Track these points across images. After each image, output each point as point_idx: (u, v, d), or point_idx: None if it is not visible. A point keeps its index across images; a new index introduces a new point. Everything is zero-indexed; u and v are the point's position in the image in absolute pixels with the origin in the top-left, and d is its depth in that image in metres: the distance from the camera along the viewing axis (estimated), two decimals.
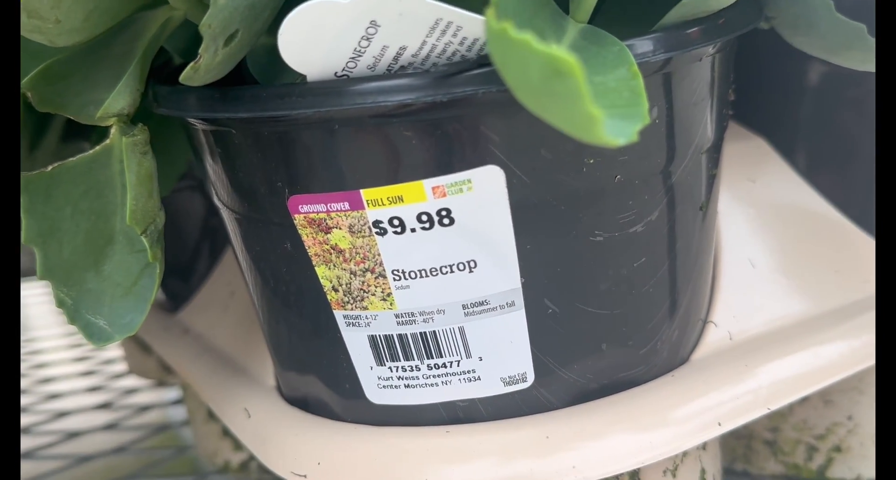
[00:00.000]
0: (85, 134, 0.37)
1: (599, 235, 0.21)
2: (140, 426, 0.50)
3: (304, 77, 0.19)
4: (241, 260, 0.25)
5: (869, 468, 0.33)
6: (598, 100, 0.13)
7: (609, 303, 0.22)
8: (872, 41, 0.22)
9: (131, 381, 0.57)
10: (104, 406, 0.54)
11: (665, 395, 0.23)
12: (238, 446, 0.41)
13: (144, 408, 0.53)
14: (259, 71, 0.21)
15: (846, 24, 0.22)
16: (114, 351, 0.64)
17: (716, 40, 0.21)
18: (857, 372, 0.26)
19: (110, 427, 0.50)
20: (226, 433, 0.41)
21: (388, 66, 0.19)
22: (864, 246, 0.30)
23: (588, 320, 0.22)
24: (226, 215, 0.24)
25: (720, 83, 0.23)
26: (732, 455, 0.34)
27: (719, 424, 0.23)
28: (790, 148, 0.32)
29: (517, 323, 0.21)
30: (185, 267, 0.40)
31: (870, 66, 0.23)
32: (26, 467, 0.46)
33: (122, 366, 0.60)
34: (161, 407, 0.53)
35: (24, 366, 0.64)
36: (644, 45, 0.19)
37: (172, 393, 0.55)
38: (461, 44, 0.18)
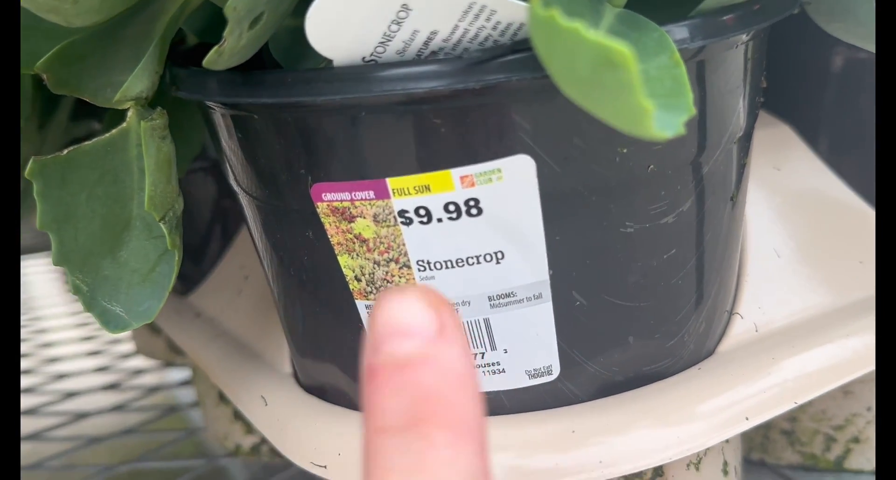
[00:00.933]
0: (96, 113, 0.36)
1: (630, 226, 0.21)
2: (148, 407, 0.50)
3: (329, 60, 0.19)
4: (260, 246, 0.25)
5: None
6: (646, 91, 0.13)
7: (637, 296, 0.22)
8: None
9: (139, 361, 0.57)
10: (111, 386, 0.53)
11: (692, 389, 0.23)
12: (249, 429, 0.41)
13: (153, 389, 0.53)
14: (282, 54, 0.21)
15: None
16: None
17: (752, 27, 0.20)
18: None
19: (118, 408, 0.50)
20: (237, 416, 0.41)
21: (419, 51, 0.18)
22: None
23: (616, 312, 0.22)
24: (244, 200, 0.24)
25: (753, 70, 0.22)
26: (750, 444, 0.34)
27: (746, 419, 0.23)
28: (815, 134, 0.32)
29: (544, 315, 0.21)
30: (196, 249, 0.40)
31: None
32: (34, 447, 0.46)
33: (129, 346, 0.60)
34: (169, 389, 0.53)
35: (29, 345, 0.64)
36: (681, 31, 0.19)
37: (181, 374, 0.55)
38: (494, 28, 0.18)
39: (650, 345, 0.23)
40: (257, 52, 0.21)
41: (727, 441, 0.26)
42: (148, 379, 0.55)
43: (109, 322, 0.23)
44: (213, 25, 0.24)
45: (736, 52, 0.21)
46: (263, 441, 0.41)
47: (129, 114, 0.22)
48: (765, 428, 0.34)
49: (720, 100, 0.21)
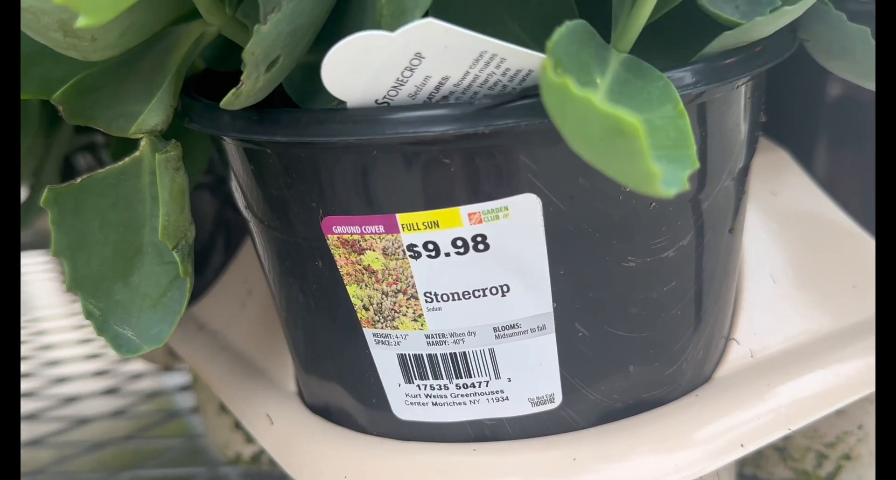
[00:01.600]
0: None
1: (632, 261, 0.21)
2: (147, 413, 0.50)
3: (338, 104, 0.19)
4: (268, 270, 0.25)
5: None
6: (652, 147, 0.13)
7: (638, 326, 0.22)
8: None
9: (138, 365, 0.57)
10: (111, 391, 0.54)
11: (689, 416, 0.23)
12: (250, 439, 0.41)
13: (152, 394, 0.53)
14: (295, 90, 0.21)
15: None
16: None
17: (753, 70, 0.21)
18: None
19: (118, 413, 0.50)
20: (238, 426, 0.41)
21: (430, 94, 0.18)
22: None
23: (617, 343, 0.22)
24: (254, 226, 0.24)
25: (753, 107, 0.23)
26: (742, 459, 0.35)
27: (742, 445, 0.23)
28: (810, 159, 0.32)
29: (547, 345, 0.22)
30: (199, 260, 0.40)
31: None
32: (33, 453, 0.46)
33: None
34: (169, 394, 0.54)
35: (28, 348, 0.64)
36: (685, 76, 0.19)
37: (180, 379, 0.55)
38: (503, 74, 0.18)
39: (649, 373, 0.23)
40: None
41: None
42: (147, 384, 0.55)
43: (121, 346, 0.24)
44: (224, 55, 0.24)
45: (736, 93, 0.22)
46: (264, 450, 0.41)
47: (143, 143, 0.22)
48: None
49: (720, 138, 0.22)
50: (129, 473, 0.43)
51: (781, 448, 0.34)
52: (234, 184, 0.24)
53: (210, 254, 0.41)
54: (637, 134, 0.12)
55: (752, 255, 0.28)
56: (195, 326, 0.38)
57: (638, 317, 0.22)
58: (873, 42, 0.22)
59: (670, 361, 0.23)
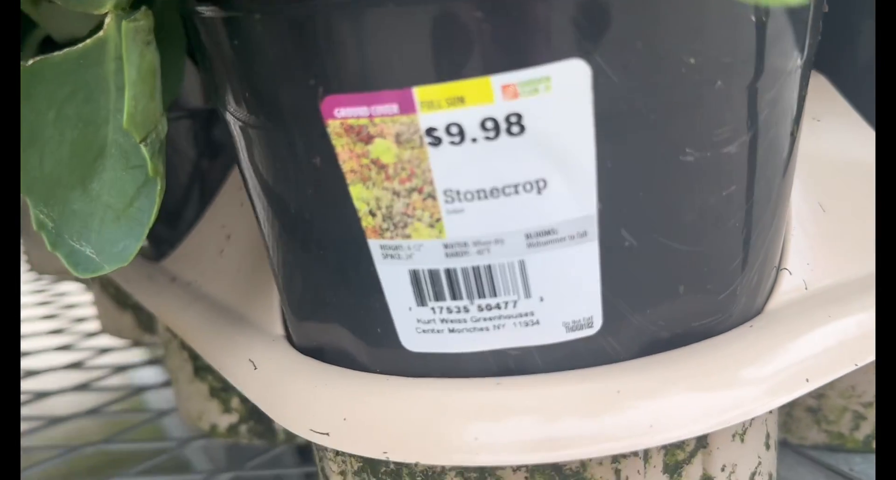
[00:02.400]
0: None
1: (690, 154, 0.18)
2: (113, 387, 0.46)
3: None
4: (251, 183, 0.22)
5: None
6: None
7: (692, 238, 0.19)
8: None
9: (105, 340, 0.53)
10: (76, 365, 0.50)
11: (746, 347, 0.20)
12: (227, 408, 0.37)
13: (119, 369, 0.49)
14: None
15: None
16: (86, 308, 0.60)
17: None
18: None
19: (81, 387, 0.46)
20: (213, 393, 0.38)
21: None
22: None
23: (668, 257, 0.19)
24: (235, 127, 0.21)
25: None
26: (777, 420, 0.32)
27: (807, 380, 0.20)
28: (849, 87, 0.29)
29: (588, 257, 0.18)
30: (171, 210, 0.37)
31: None
32: None
33: (94, 325, 0.56)
34: (136, 368, 0.50)
35: None
36: None
37: (148, 354, 0.51)
38: None
39: (701, 298, 0.20)
40: None
41: (770, 411, 0.23)
42: (114, 358, 0.51)
43: (78, 263, 0.20)
44: None
45: None
46: (241, 420, 0.38)
47: (108, 20, 0.19)
48: (788, 405, 0.32)
49: (788, 16, 0.18)
50: (91, 448, 0.39)
51: (815, 410, 0.31)
52: (211, 78, 0.20)
53: (185, 206, 0.37)
54: None
55: (798, 180, 0.25)
56: (166, 279, 0.34)
57: (693, 226, 0.19)
58: None
59: (724, 284, 0.20)
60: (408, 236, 0.18)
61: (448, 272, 0.19)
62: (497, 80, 0.16)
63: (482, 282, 0.19)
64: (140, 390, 0.46)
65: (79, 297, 0.63)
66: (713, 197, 0.19)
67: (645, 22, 0.16)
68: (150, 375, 0.49)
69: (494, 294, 0.19)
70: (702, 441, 0.21)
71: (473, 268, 0.18)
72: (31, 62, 0.19)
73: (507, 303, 0.19)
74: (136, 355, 0.52)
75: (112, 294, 0.52)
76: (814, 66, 0.29)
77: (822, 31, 0.29)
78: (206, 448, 0.41)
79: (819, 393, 0.31)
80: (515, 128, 0.17)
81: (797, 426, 0.32)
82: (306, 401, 0.21)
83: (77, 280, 0.59)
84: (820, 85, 0.29)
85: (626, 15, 0.16)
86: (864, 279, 0.24)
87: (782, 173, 0.21)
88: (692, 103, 0.17)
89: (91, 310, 0.58)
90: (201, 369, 0.37)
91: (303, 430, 0.21)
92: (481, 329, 0.19)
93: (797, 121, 0.21)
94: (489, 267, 0.18)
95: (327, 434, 0.20)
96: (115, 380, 0.48)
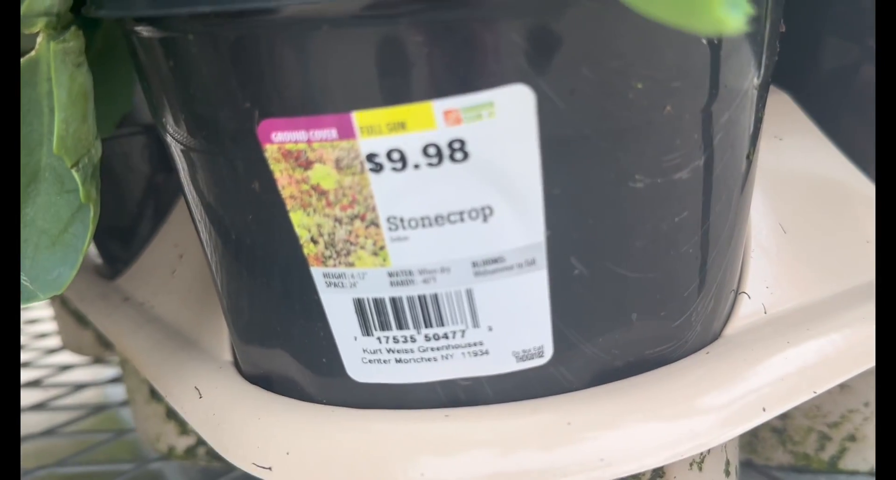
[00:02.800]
0: None
1: (640, 180, 0.17)
2: (75, 406, 0.45)
3: None
4: (194, 207, 0.21)
5: None
6: None
7: (644, 265, 0.18)
8: None
9: (65, 357, 0.52)
10: (34, 383, 0.48)
11: (702, 376, 0.20)
12: (184, 429, 0.37)
13: (80, 387, 0.48)
14: None
15: None
16: (47, 324, 0.59)
17: None
18: None
19: (41, 406, 0.45)
20: (171, 415, 0.37)
21: None
22: None
23: (619, 284, 0.18)
24: (175, 150, 0.20)
25: (774, 9, 0.19)
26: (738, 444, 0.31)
27: (763, 409, 0.20)
28: (812, 104, 0.29)
29: (537, 285, 0.18)
30: (125, 228, 0.36)
31: None
32: None
33: (55, 341, 0.55)
34: (98, 386, 0.49)
35: None
36: None
37: (110, 371, 0.50)
38: None
39: (655, 325, 0.19)
40: None
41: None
42: (75, 376, 0.50)
43: None
44: None
45: None
46: (200, 442, 0.37)
47: (39, 39, 0.18)
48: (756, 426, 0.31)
49: (741, 38, 0.18)
50: (46, 470, 0.38)
51: (780, 430, 0.31)
52: (151, 99, 0.20)
53: (138, 223, 0.36)
54: None
55: (758, 201, 0.24)
56: (119, 298, 0.33)
57: (645, 253, 0.18)
58: None
59: (679, 311, 0.20)
60: (351, 264, 0.18)
61: (393, 300, 0.18)
62: (439, 106, 0.16)
63: (429, 311, 0.18)
64: (100, 409, 0.45)
65: (40, 312, 0.62)
66: (665, 223, 0.18)
67: (590, 46, 0.15)
68: (108, 393, 0.48)
69: (441, 323, 0.18)
70: (658, 472, 0.21)
71: (419, 297, 0.18)
72: None
73: (454, 333, 0.18)
74: (100, 372, 0.51)
75: (73, 310, 0.51)
76: (776, 82, 0.29)
77: (785, 49, 0.29)
78: (181, 465, 0.40)
79: (784, 414, 0.30)
80: (459, 155, 0.16)
81: (762, 446, 0.32)
82: (249, 433, 0.20)
83: None
84: (782, 102, 0.28)
85: (571, 39, 0.15)
86: (826, 302, 0.23)
87: (739, 196, 0.21)
88: (641, 129, 0.17)
89: (52, 327, 0.57)
90: (157, 391, 0.36)
91: (245, 464, 0.20)
92: (429, 359, 0.18)
93: (754, 142, 0.20)
94: (435, 295, 0.18)
95: (270, 468, 0.19)
96: (78, 398, 0.47)
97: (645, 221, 0.18)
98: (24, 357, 0.53)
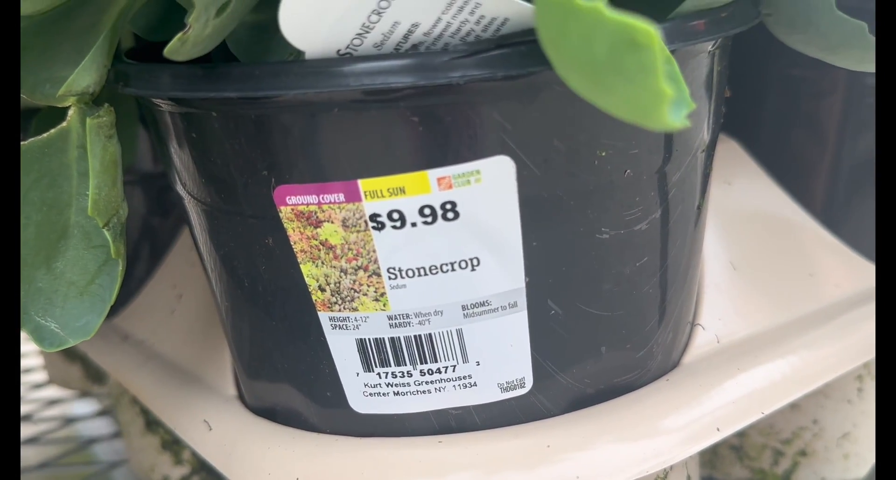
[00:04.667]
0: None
1: (606, 232, 0.20)
2: (63, 439, 0.46)
3: (295, 57, 0.18)
4: (207, 256, 0.23)
5: (833, 471, 0.33)
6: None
7: (611, 304, 0.21)
8: (873, 40, 0.22)
9: (52, 392, 0.53)
10: (24, 418, 0.50)
11: (663, 401, 0.22)
12: (178, 460, 0.38)
13: (68, 421, 0.49)
14: (242, 51, 0.19)
15: (846, 23, 0.22)
16: (33, 359, 0.60)
17: (720, 34, 0.20)
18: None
19: (31, 441, 0.46)
20: (165, 446, 0.38)
21: (397, 44, 0.17)
22: (833, 251, 0.30)
23: (589, 322, 0.21)
24: (191, 206, 0.22)
25: (719, 79, 0.22)
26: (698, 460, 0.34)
27: (718, 429, 0.22)
28: (758, 149, 0.32)
29: (519, 324, 0.20)
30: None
31: (869, 66, 0.22)
32: None
33: (41, 376, 0.56)
34: (84, 420, 0.50)
35: None
36: (659, 33, 0.18)
37: (97, 405, 0.52)
38: (477, 23, 0.17)
39: (621, 356, 0.22)
40: (206, 55, 0.19)
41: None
42: (62, 410, 0.51)
43: (44, 339, 0.21)
44: (160, 22, 0.22)
45: (705, 59, 0.21)
46: (193, 472, 0.38)
47: (70, 112, 0.20)
48: (713, 444, 0.34)
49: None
50: None
51: (738, 447, 0.34)
52: (170, 164, 0.22)
53: (135, 264, 0.38)
54: (652, 43, 0.11)
55: (710, 242, 0.27)
56: (118, 337, 0.35)
57: (611, 294, 0.21)
58: (839, 13, 0.22)
59: (641, 343, 0.22)
60: (355, 309, 0.20)
61: (392, 340, 0.20)
62: (433, 174, 0.18)
63: (424, 349, 0.20)
64: (90, 442, 0.46)
65: (24, 347, 0.63)
66: (628, 268, 0.21)
67: (560, 123, 0.18)
68: (99, 426, 0.50)
69: (435, 359, 0.20)
70: None
71: (416, 337, 0.20)
72: None
73: (446, 368, 0.21)
74: (84, 406, 0.52)
75: None
76: (726, 131, 0.32)
77: (733, 101, 0.32)
78: None
79: (741, 432, 0.33)
80: (450, 214, 0.19)
81: (721, 463, 0.34)
82: (261, 462, 0.22)
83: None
84: (730, 149, 0.31)
85: (544, 117, 0.18)
86: (774, 331, 0.26)
87: (692, 240, 0.23)
88: (605, 189, 0.20)
89: (38, 362, 0.58)
90: (153, 422, 0.38)
91: None
92: (424, 391, 0.21)
93: (703, 193, 0.23)
94: (430, 335, 0.20)
95: None
96: (64, 432, 0.48)
97: (611, 267, 0.21)
98: None
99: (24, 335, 0.56)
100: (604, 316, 0.21)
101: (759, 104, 0.33)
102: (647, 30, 0.11)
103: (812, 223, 0.31)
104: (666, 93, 0.12)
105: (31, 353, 0.61)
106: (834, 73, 0.31)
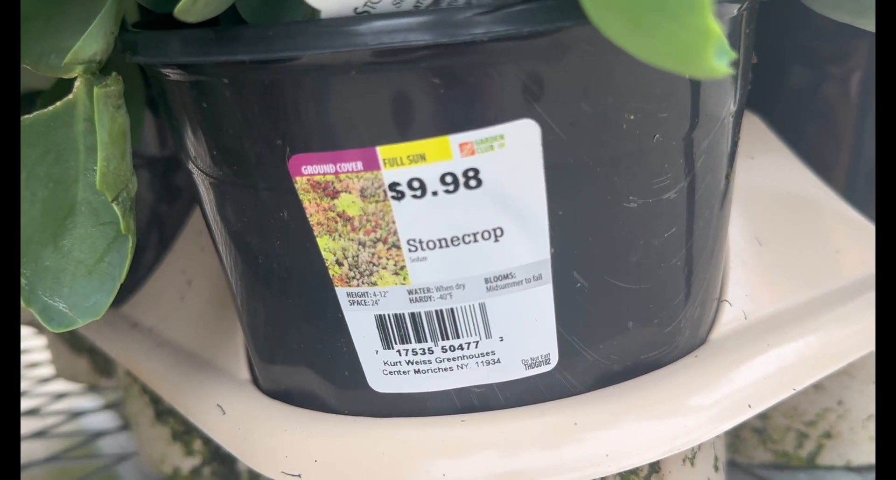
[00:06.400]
0: (22, 105, 0.33)
1: (634, 201, 0.19)
2: (71, 433, 0.46)
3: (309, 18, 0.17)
4: (219, 235, 0.22)
5: (858, 453, 0.32)
6: None
7: (638, 277, 0.20)
8: None
9: (60, 386, 0.53)
10: (32, 412, 0.49)
11: (692, 378, 0.21)
12: (189, 451, 0.38)
13: (76, 414, 0.49)
14: (252, 14, 0.19)
15: None
16: (39, 353, 0.59)
17: None
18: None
19: (38, 435, 0.46)
20: (175, 437, 0.38)
21: (417, 1, 0.16)
22: (857, 227, 0.30)
23: (616, 295, 0.20)
24: (201, 181, 0.21)
25: (746, 43, 0.22)
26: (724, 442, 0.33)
27: (749, 406, 0.21)
28: (780, 124, 0.31)
29: (543, 298, 0.19)
30: None
31: None
32: None
33: (48, 370, 0.55)
34: (92, 413, 0.49)
35: None
36: None
37: (104, 398, 0.51)
38: None
39: (649, 332, 0.21)
40: (215, 19, 0.19)
41: (717, 435, 0.25)
42: (69, 404, 0.51)
43: (52, 319, 0.20)
44: None
45: (733, 21, 0.20)
46: (204, 463, 0.38)
47: (77, 84, 0.20)
48: (735, 427, 0.33)
49: None
50: None
51: (761, 430, 0.33)
52: (179, 136, 0.21)
53: (143, 251, 0.37)
54: None
55: (735, 217, 0.26)
56: (127, 325, 0.34)
57: (639, 267, 0.20)
58: None
59: (669, 318, 0.22)
60: (374, 283, 0.19)
61: (413, 316, 0.20)
62: (455, 139, 0.17)
63: (445, 325, 0.20)
64: (97, 436, 0.46)
65: (30, 342, 0.62)
66: (656, 239, 0.20)
67: (588, 84, 0.17)
68: (106, 420, 0.49)
69: (457, 335, 0.20)
70: (654, 467, 0.22)
71: (437, 312, 0.19)
72: None
73: (469, 344, 0.20)
74: (91, 400, 0.52)
75: (67, 338, 0.51)
76: (748, 106, 0.32)
77: (755, 75, 0.31)
78: None
79: (763, 415, 0.32)
80: (473, 182, 0.18)
81: (744, 446, 0.34)
82: (277, 444, 0.22)
83: (30, 324, 0.58)
84: (754, 124, 0.31)
85: (571, 78, 0.17)
86: (801, 307, 0.26)
87: (719, 212, 0.23)
88: (633, 155, 0.19)
89: (45, 356, 0.57)
90: (163, 413, 0.37)
91: (275, 473, 0.21)
92: (445, 369, 0.20)
93: (731, 163, 0.23)
94: (451, 310, 0.19)
95: (299, 476, 0.21)
96: (71, 426, 0.48)
97: (638, 238, 0.20)
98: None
99: (31, 330, 0.56)
100: (631, 289, 0.20)
101: (780, 79, 0.32)
102: None
103: (836, 199, 0.30)
104: (714, 31, 0.11)
105: (38, 348, 0.60)
106: (855, 46, 0.30)
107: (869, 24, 0.22)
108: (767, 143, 0.30)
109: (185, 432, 0.37)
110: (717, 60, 0.12)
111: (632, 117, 0.18)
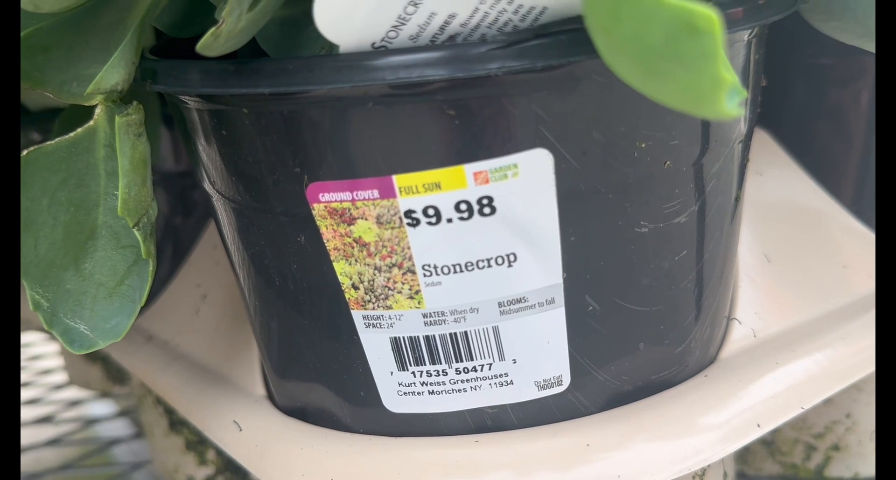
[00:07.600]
0: (39, 123, 0.33)
1: (644, 226, 0.20)
2: (84, 440, 0.46)
3: (327, 51, 0.17)
4: (236, 255, 0.23)
5: (867, 466, 0.32)
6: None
7: (649, 300, 0.21)
8: None
9: (73, 392, 0.53)
10: (45, 419, 0.50)
11: (702, 397, 0.22)
12: (203, 460, 0.38)
13: (90, 422, 0.49)
14: (272, 46, 0.19)
15: None
16: (53, 359, 0.60)
17: (758, 22, 0.20)
18: None
19: (52, 442, 0.46)
20: (189, 447, 0.38)
21: (433, 36, 0.17)
22: (865, 242, 0.30)
23: (627, 318, 0.21)
24: (220, 204, 0.22)
25: (755, 69, 0.22)
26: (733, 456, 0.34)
27: (758, 425, 0.22)
28: (788, 140, 0.32)
29: (556, 321, 0.20)
30: None
31: None
32: None
33: (62, 377, 0.56)
34: (106, 421, 0.50)
35: None
36: None
37: (117, 406, 0.52)
38: (515, 13, 0.16)
39: (659, 352, 0.22)
40: (232, 54, 0.19)
41: None
42: (82, 412, 0.51)
43: (73, 341, 0.21)
44: (188, 16, 0.22)
45: (743, 48, 0.21)
46: (217, 472, 0.38)
47: (98, 111, 0.20)
48: None
49: None
50: None
51: (769, 442, 0.33)
52: (198, 161, 0.22)
53: (158, 264, 0.38)
54: (714, 29, 0.11)
55: (744, 233, 0.27)
56: (142, 338, 0.35)
57: (649, 289, 0.21)
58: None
59: (680, 339, 0.22)
60: (389, 307, 0.20)
61: (427, 339, 0.20)
62: (469, 168, 0.18)
63: (459, 347, 0.20)
64: (110, 443, 0.46)
65: (42, 348, 0.63)
66: (667, 262, 0.21)
67: (600, 114, 0.18)
68: (119, 427, 0.50)
69: (471, 358, 0.20)
70: None
71: (451, 335, 0.20)
72: (25, 152, 0.20)
73: (482, 366, 0.20)
74: (105, 407, 0.52)
75: None
76: (757, 122, 0.32)
77: (763, 92, 0.32)
78: None
79: None
80: (487, 210, 0.18)
81: (753, 458, 0.34)
82: (294, 462, 0.22)
83: (41, 330, 0.59)
84: (762, 139, 0.31)
85: (583, 108, 0.18)
86: (810, 324, 0.26)
87: (729, 232, 0.23)
88: (644, 181, 0.19)
89: (58, 363, 0.58)
90: (177, 423, 0.38)
91: None
92: (459, 390, 0.21)
93: (740, 185, 0.23)
94: (465, 333, 0.20)
95: None
96: (84, 434, 0.48)
97: (649, 261, 0.20)
98: (31, 393, 0.54)
99: (43, 336, 0.56)
100: (642, 311, 0.21)
101: (787, 94, 0.32)
102: (709, 14, 0.11)
103: (844, 214, 0.30)
104: (726, 79, 0.11)
105: (51, 354, 0.61)
106: (862, 62, 0.31)
107: (872, 47, 0.23)
108: (776, 159, 0.30)
109: (199, 442, 0.38)
110: (730, 103, 0.12)
111: (643, 145, 0.19)
